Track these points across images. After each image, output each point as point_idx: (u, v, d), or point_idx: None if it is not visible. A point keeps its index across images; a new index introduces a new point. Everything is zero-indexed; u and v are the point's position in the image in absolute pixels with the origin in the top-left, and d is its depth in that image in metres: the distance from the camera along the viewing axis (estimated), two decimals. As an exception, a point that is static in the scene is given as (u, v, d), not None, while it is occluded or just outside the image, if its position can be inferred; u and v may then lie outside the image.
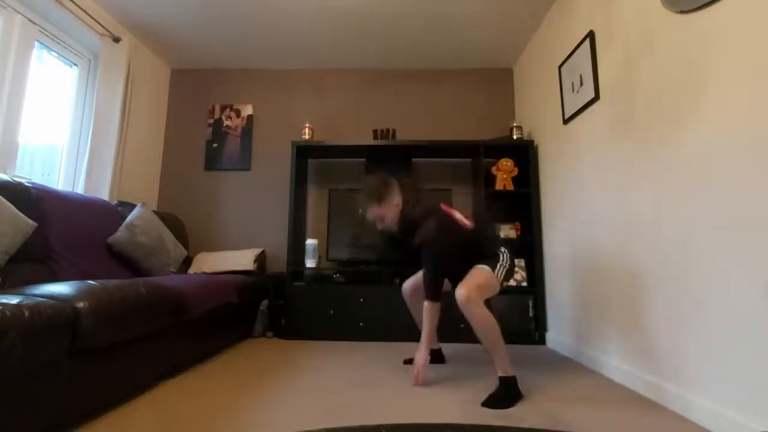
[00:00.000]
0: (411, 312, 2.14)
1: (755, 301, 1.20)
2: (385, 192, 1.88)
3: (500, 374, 1.63)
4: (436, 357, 2.16)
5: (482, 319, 1.63)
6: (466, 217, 1.93)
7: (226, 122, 3.47)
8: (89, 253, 2.08)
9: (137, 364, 1.58)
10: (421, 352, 1.78)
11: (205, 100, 3.51)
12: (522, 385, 1.66)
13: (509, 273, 1.83)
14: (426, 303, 1.79)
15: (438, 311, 1.81)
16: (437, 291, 1.80)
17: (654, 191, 1.66)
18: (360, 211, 1.90)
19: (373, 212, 1.90)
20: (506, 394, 1.59)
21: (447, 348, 2.27)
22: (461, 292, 1.63)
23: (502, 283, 1.79)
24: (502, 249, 1.86)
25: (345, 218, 3.07)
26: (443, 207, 1.94)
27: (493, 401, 1.54)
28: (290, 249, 2.85)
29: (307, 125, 3.12)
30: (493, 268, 1.77)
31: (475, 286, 1.66)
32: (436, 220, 1.82)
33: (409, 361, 2.14)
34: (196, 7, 2.70)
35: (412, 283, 2.09)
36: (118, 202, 2.61)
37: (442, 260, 1.80)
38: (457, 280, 1.76)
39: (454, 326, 2.63)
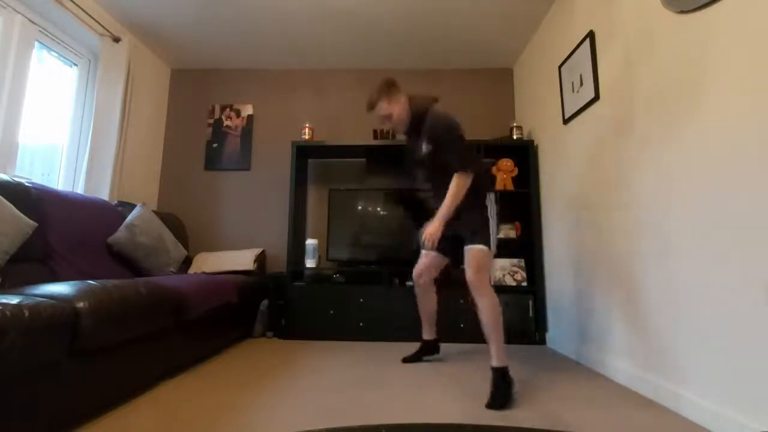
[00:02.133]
0: (417, 301, 2.14)
1: (756, 300, 1.20)
2: (392, 90, 1.93)
3: (494, 364, 1.67)
4: (432, 348, 2.19)
5: (489, 306, 1.73)
6: None
7: (226, 122, 3.47)
8: (89, 253, 2.08)
9: (137, 364, 1.58)
10: (434, 222, 1.79)
11: (205, 100, 3.51)
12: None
13: (496, 227, 1.85)
14: (455, 177, 1.76)
15: (466, 186, 1.78)
16: (466, 161, 1.78)
17: (654, 191, 1.66)
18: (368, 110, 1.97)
19: (381, 109, 1.92)
20: (501, 388, 1.62)
21: (447, 348, 2.27)
22: (468, 277, 1.76)
23: (497, 246, 1.84)
24: (490, 198, 1.86)
25: (345, 218, 3.07)
26: None
27: (494, 401, 1.54)
28: (290, 249, 2.85)
29: (307, 125, 3.12)
30: (486, 236, 1.78)
31: (476, 268, 1.75)
32: (441, 110, 1.87)
33: (408, 360, 2.14)
34: (196, 7, 2.70)
35: (421, 265, 2.07)
36: (118, 202, 2.61)
37: (462, 138, 1.81)
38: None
39: (453, 326, 2.64)
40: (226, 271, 2.83)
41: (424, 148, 1.88)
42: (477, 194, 1.82)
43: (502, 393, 1.59)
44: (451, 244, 1.91)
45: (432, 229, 1.79)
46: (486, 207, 1.83)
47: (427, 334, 2.19)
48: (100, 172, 2.61)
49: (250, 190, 3.39)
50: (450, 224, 1.82)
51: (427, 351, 2.19)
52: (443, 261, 2.03)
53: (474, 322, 2.19)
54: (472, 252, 1.77)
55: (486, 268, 1.80)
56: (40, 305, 1.12)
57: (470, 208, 1.82)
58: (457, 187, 1.76)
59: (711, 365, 1.36)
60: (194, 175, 3.43)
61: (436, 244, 1.81)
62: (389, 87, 1.92)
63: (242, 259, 2.95)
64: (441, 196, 1.83)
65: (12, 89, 2.16)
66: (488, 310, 1.72)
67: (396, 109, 1.92)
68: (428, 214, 1.91)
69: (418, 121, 1.90)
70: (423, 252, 2.05)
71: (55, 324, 1.14)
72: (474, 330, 2.21)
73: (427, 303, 2.13)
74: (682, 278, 1.49)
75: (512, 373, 1.68)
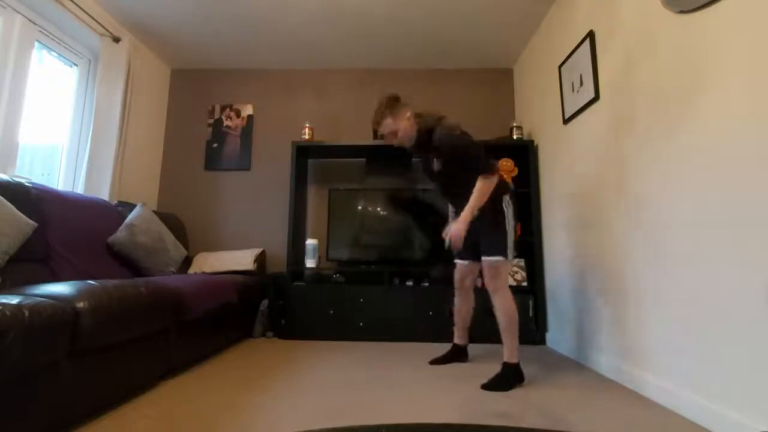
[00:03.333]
0: (455, 305, 2.16)
1: (756, 300, 1.20)
2: (396, 105, 1.87)
3: (505, 360, 1.79)
4: (461, 353, 2.18)
5: (505, 307, 1.83)
6: None
7: (226, 122, 3.47)
8: (89, 253, 2.08)
9: (137, 364, 1.58)
10: (458, 223, 1.78)
11: (205, 100, 3.51)
12: (522, 385, 1.75)
13: (513, 230, 1.87)
14: (480, 179, 1.77)
15: (491, 187, 1.78)
16: (486, 164, 1.78)
17: (654, 191, 1.66)
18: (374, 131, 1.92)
19: (387, 126, 1.86)
20: (506, 378, 1.75)
21: (448, 348, 2.26)
22: (486, 284, 1.87)
23: (514, 252, 1.88)
24: (506, 200, 1.88)
25: (345, 218, 3.07)
26: None
27: (492, 384, 1.72)
28: (290, 249, 2.85)
29: (307, 125, 3.12)
30: (502, 247, 1.82)
31: (493, 276, 1.84)
32: (451, 121, 1.84)
33: (437, 362, 2.14)
34: (196, 7, 2.70)
35: (461, 272, 2.11)
36: (118, 202, 2.61)
37: (475, 146, 1.81)
38: (458, 204, 1.92)
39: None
40: (226, 271, 2.83)
41: (436, 164, 1.90)
42: (493, 200, 1.84)
43: (502, 381, 1.72)
44: (475, 251, 1.96)
45: (456, 230, 1.79)
46: (502, 211, 1.85)
47: (459, 338, 2.18)
48: (100, 172, 2.61)
49: (250, 190, 3.39)
50: (470, 232, 1.84)
51: (455, 357, 2.16)
52: (478, 265, 2.01)
53: (481, 324, 2.21)
54: (489, 263, 1.84)
55: (503, 275, 1.86)
56: (40, 305, 1.12)
57: (487, 214, 1.84)
58: (481, 189, 1.77)
59: (711, 365, 1.36)
60: (194, 175, 3.42)
61: (460, 245, 1.83)
62: (393, 103, 1.87)
63: (242, 259, 2.95)
64: (459, 206, 1.85)
65: (12, 89, 2.16)
66: (504, 310, 1.81)
67: (402, 125, 1.88)
68: (431, 212, 1.93)
69: (426, 137, 1.87)
70: (458, 260, 2.09)
71: (55, 324, 1.14)
72: (479, 330, 2.23)
73: (465, 307, 2.13)
74: (682, 278, 1.49)
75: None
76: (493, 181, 1.79)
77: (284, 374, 1.91)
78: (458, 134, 1.82)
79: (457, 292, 2.14)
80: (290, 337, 2.73)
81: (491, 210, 1.84)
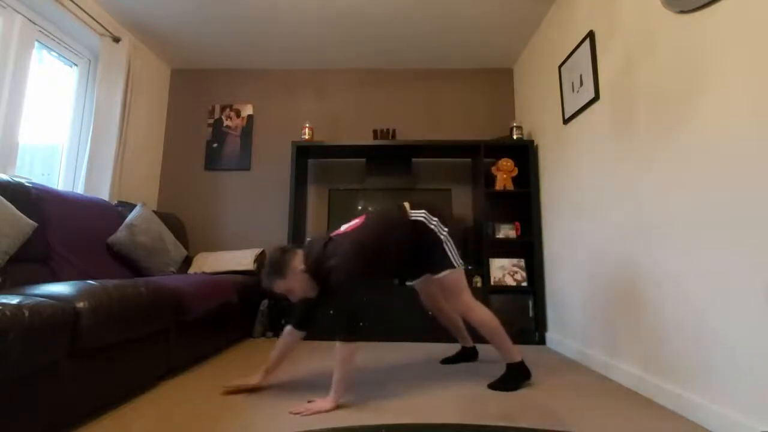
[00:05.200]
0: (438, 322, 2.13)
1: (756, 300, 1.20)
2: (285, 261, 1.59)
3: (507, 362, 1.77)
4: (469, 354, 2.18)
5: (482, 322, 1.75)
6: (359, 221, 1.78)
7: (226, 122, 3.47)
8: (89, 253, 2.08)
9: (137, 364, 1.58)
10: (326, 402, 1.47)
11: (205, 100, 3.51)
12: (522, 386, 1.74)
13: (455, 245, 1.75)
14: (339, 344, 1.49)
15: (355, 353, 1.52)
16: (353, 326, 1.50)
17: (654, 191, 1.66)
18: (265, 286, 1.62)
19: (280, 288, 1.60)
20: (512, 378, 1.74)
21: (449, 348, 2.26)
22: (454, 307, 1.82)
23: (462, 264, 1.77)
24: (434, 223, 1.73)
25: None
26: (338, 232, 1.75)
27: (498, 384, 1.72)
28: (290, 249, 2.85)
29: (307, 125, 3.12)
30: (447, 259, 1.71)
31: (456, 293, 1.76)
32: (334, 244, 1.63)
33: (448, 361, 2.15)
34: (196, 7, 2.70)
35: (422, 298, 2.08)
36: (118, 202, 2.61)
37: (359, 279, 1.57)
38: (412, 276, 1.94)
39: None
40: (226, 271, 2.83)
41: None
42: (421, 234, 1.73)
43: (509, 381, 1.71)
44: (418, 270, 1.94)
45: (319, 409, 1.46)
46: (431, 230, 1.72)
47: (462, 341, 2.18)
48: (100, 172, 2.61)
49: (250, 190, 3.39)
50: (409, 269, 1.83)
51: (464, 358, 2.16)
52: (432, 278, 1.84)
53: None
54: (444, 281, 1.74)
55: (464, 287, 1.77)
56: (40, 305, 1.11)
57: (419, 246, 1.74)
58: (343, 360, 1.50)
59: (711, 365, 1.36)
60: (194, 175, 3.43)
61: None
62: (279, 263, 1.59)
63: (242, 259, 2.95)
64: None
65: (12, 89, 2.16)
66: (484, 324, 1.75)
67: (294, 282, 1.60)
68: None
69: (325, 274, 1.58)
70: (409, 284, 2.05)
71: (55, 324, 1.14)
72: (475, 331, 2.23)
73: (446, 321, 2.11)
74: (682, 278, 1.49)
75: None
76: (352, 348, 1.50)
77: (284, 374, 1.91)
78: (351, 270, 1.55)
79: (432, 313, 2.11)
80: (290, 337, 2.72)
81: (417, 238, 1.72)
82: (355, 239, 1.64)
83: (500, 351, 1.77)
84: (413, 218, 1.74)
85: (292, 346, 1.76)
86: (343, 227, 1.76)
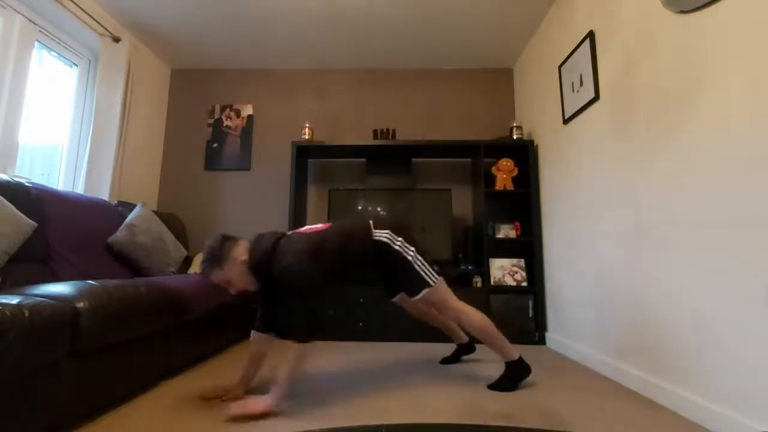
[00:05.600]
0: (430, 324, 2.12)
1: (755, 300, 1.20)
2: (225, 250, 1.51)
3: (506, 360, 1.75)
4: (467, 349, 2.18)
5: (473, 325, 1.74)
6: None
7: (226, 122, 3.47)
8: (89, 253, 2.08)
9: (137, 364, 1.58)
10: (262, 402, 1.40)
11: (205, 100, 3.51)
12: (522, 386, 1.74)
13: (423, 256, 1.70)
14: (295, 344, 1.43)
15: (307, 355, 1.46)
16: (313, 328, 1.46)
17: (654, 191, 1.66)
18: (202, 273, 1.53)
19: (217, 278, 1.52)
20: (512, 376, 1.73)
21: (447, 348, 2.26)
22: (449, 317, 1.84)
23: (435, 270, 1.72)
24: (398, 244, 1.68)
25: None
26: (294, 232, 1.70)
27: (498, 384, 1.71)
28: (290, 249, 2.85)
29: (307, 125, 3.12)
30: (421, 278, 1.67)
31: (441, 304, 1.76)
32: (288, 241, 1.56)
33: (447, 361, 2.15)
34: (196, 7, 2.70)
35: (409, 309, 2.04)
36: (118, 202, 2.61)
37: (315, 281, 1.50)
38: (385, 292, 1.93)
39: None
40: (226, 271, 2.83)
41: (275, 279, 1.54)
42: (385, 255, 1.68)
43: (508, 380, 1.71)
44: (391, 288, 1.92)
45: (262, 408, 1.39)
46: (395, 251, 1.67)
47: (457, 340, 2.17)
48: (100, 172, 2.61)
49: (250, 190, 3.39)
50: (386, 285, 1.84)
51: (462, 352, 2.17)
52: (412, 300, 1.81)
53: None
54: (426, 299, 1.71)
55: (448, 296, 1.75)
56: (40, 305, 1.11)
57: (385, 266, 1.71)
58: (296, 360, 1.44)
59: (711, 365, 1.36)
60: (194, 175, 3.43)
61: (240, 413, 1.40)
62: (218, 251, 1.51)
63: (242, 259, 2.95)
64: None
65: (12, 89, 2.16)
66: (475, 325, 1.73)
67: (233, 272, 1.52)
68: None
69: (267, 266, 1.52)
70: (393, 300, 2.00)
71: (55, 324, 1.14)
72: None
73: (436, 323, 2.09)
74: (682, 278, 1.49)
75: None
76: (308, 349, 1.44)
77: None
78: (306, 273, 1.50)
79: (422, 320, 2.09)
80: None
81: (380, 258, 1.68)
82: (313, 242, 1.59)
83: (497, 351, 1.76)
84: (376, 238, 1.68)
85: (262, 353, 1.68)
86: (305, 228, 1.74)
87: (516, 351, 1.75)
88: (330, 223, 1.75)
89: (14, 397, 1.06)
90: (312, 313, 1.49)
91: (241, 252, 1.54)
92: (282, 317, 1.67)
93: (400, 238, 1.70)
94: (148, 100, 3.24)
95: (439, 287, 1.71)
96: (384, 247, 1.68)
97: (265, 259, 1.52)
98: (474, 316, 1.74)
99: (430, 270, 1.70)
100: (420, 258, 1.69)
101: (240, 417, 1.37)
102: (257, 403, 1.40)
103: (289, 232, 1.68)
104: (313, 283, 1.51)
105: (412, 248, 1.70)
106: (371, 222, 1.73)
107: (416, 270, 1.67)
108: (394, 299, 1.98)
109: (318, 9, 2.70)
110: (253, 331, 1.70)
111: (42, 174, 2.53)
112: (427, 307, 1.98)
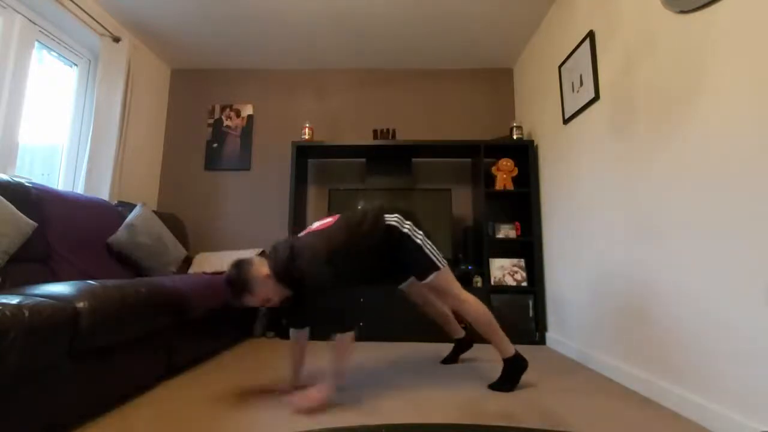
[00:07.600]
0: (428, 315, 2.12)
1: (755, 301, 1.20)
2: (246, 275, 1.50)
3: (503, 356, 1.75)
4: (465, 344, 2.18)
5: (474, 310, 1.76)
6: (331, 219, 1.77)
7: (226, 122, 3.47)
8: (89, 253, 2.08)
9: (137, 364, 1.58)
10: (320, 390, 1.48)
11: (205, 100, 3.51)
12: (522, 385, 1.74)
13: (432, 243, 1.75)
14: (338, 335, 1.53)
15: (351, 343, 1.54)
16: (349, 318, 1.57)
17: (654, 191, 1.66)
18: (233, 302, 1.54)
19: (253, 302, 1.54)
20: (510, 373, 1.73)
21: (447, 348, 2.26)
22: (453, 306, 1.84)
23: (444, 263, 1.76)
24: (407, 227, 1.71)
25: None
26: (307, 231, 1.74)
27: (498, 384, 1.72)
28: (290, 249, 2.85)
29: (307, 125, 3.12)
30: (429, 262, 1.70)
31: (446, 291, 1.77)
32: (301, 242, 1.59)
33: (447, 361, 2.15)
34: (196, 7, 2.70)
35: (413, 297, 2.06)
36: (118, 202, 2.61)
37: (332, 277, 1.52)
38: (395, 281, 1.93)
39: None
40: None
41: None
42: (396, 239, 1.71)
43: (508, 380, 1.71)
44: (402, 275, 1.93)
45: (318, 400, 1.47)
46: (405, 234, 1.70)
47: (454, 334, 2.17)
48: (100, 172, 2.61)
49: (250, 190, 3.39)
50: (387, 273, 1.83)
51: (460, 350, 2.17)
52: (420, 285, 1.85)
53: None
54: (433, 284, 1.75)
55: (454, 283, 1.78)
56: (40, 305, 1.11)
57: (396, 251, 1.72)
58: (342, 349, 1.54)
59: (710, 365, 1.36)
60: (194, 175, 3.42)
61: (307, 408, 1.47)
62: (243, 278, 1.49)
63: (242, 259, 2.95)
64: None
65: (12, 89, 2.16)
66: (476, 314, 1.75)
67: (264, 290, 1.53)
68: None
69: (295, 273, 1.53)
70: (400, 288, 2.02)
71: (55, 324, 1.14)
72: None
73: (436, 314, 2.10)
74: (682, 277, 1.49)
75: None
76: (352, 337, 1.54)
77: (284, 374, 1.91)
78: (321, 272, 1.52)
79: (422, 308, 2.09)
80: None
81: (392, 244, 1.71)
82: (324, 236, 1.63)
83: (494, 344, 1.76)
84: (387, 223, 1.71)
85: (303, 345, 1.80)
86: (315, 224, 1.77)
87: (512, 346, 1.76)
88: (338, 215, 1.78)
89: (14, 397, 1.06)
90: (345, 304, 1.58)
91: (261, 269, 1.54)
92: (319, 317, 1.81)
93: (408, 222, 1.73)
94: (148, 100, 3.24)
95: (446, 271, 1.75)
96: (395, 232, 1.71)
97: (286, 266, 1.54)
98: (476, 306, 1.77)
99: (439, 253, 1.75)
100: (428, 241, 1.74)
101: (304, 410, 1.44)
102: (316, 395, 1.47)
103: (301, 234, 1.73)
104: (329, 276, 1.53)
105: (421, 232, 1.74)
106: (382, 205, 1.79)
107: (426, 252, 1.71)
108: (402, 285, 2.00)
109: (318, 9, 2.70)
110: (291, 329, 1.79)
111: (42, 174, 2.53)
112: (430, 294, 2.00)
